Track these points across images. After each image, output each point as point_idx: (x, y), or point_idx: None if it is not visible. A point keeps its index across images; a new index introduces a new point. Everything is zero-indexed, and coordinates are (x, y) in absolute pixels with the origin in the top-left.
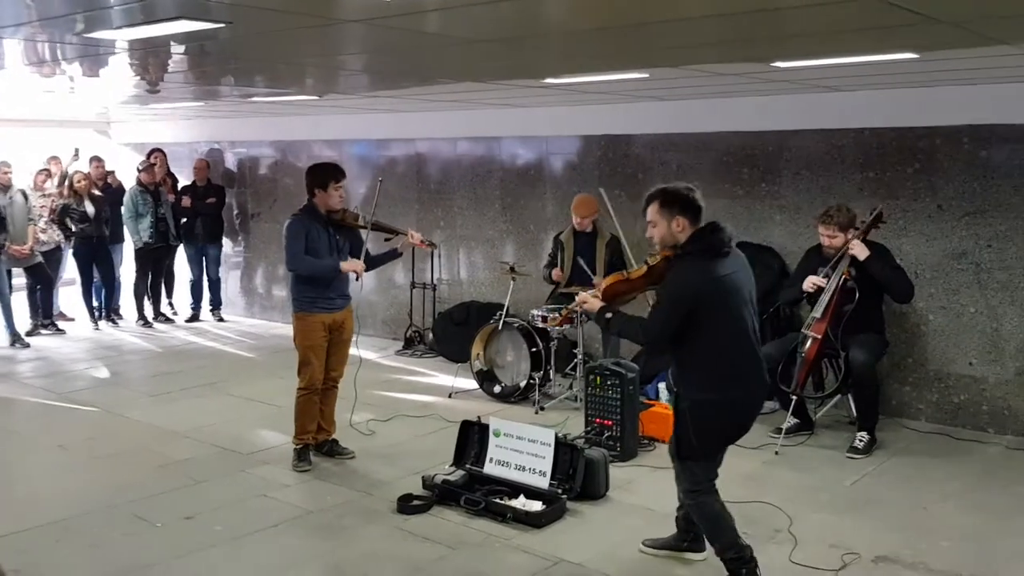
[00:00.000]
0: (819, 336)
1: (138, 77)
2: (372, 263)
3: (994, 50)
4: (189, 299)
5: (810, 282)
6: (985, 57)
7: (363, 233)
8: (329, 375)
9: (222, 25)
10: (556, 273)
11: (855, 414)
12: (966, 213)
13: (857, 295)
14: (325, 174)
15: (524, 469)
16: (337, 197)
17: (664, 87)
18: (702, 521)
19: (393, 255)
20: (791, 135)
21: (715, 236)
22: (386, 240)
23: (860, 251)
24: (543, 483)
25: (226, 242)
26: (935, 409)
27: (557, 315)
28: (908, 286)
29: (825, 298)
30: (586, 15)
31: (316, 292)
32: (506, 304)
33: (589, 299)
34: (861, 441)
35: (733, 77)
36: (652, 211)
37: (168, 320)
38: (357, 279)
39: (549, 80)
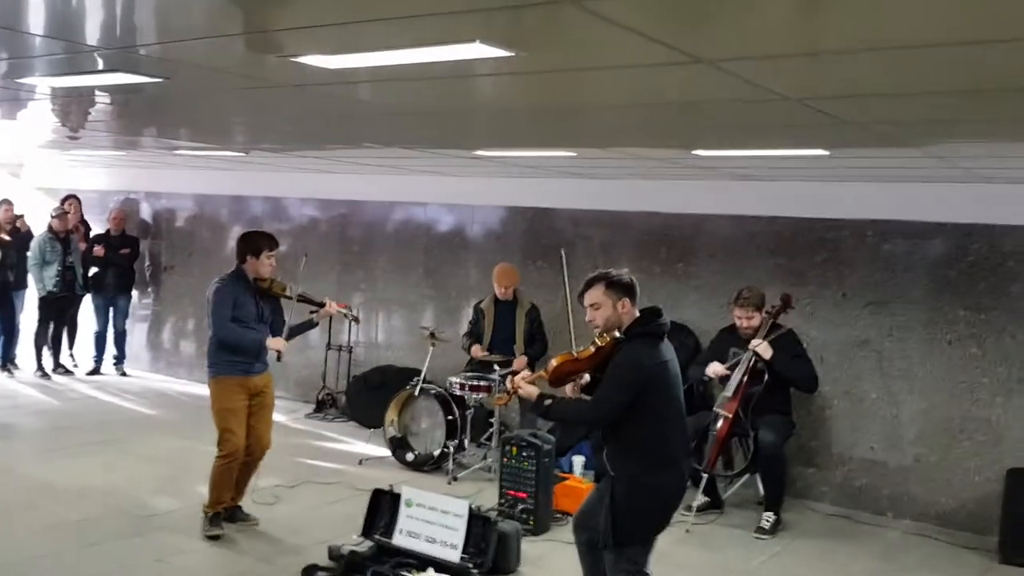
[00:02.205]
0: (730, 415)
1: (59, 123)
2: (289, 333)
3: (898, 151)
4: (92, 351)
5: (712, 370)
6: (890, 157)
7: (286, 303)
8: (256, 445)
9: (160, 80)
10: (475, 350)
11: (763, 494)
12: (869, 303)
13: (766, 377)
14: (259, 242)
15: (435, 541)
16: (268, 266)
17: (590, 166)
18: None
19: (310, 326)
20: (707, 218)
21: (660, 320)
22: (311, 312)
23: (765, 351)
24: (454, 556)
25: (135, 294)
26: (838, 492)
27: (504, 394)
28: (811, 380)
29: (736, 378)
30: (516, 97)
31: (234, 355)
32: (424, 370)
33: (526, 386)
34: (768, 522)
35: (656, 161)
36: (596, 293)
37: (68, 372)
38: (279, 359)
39: (479, 152)
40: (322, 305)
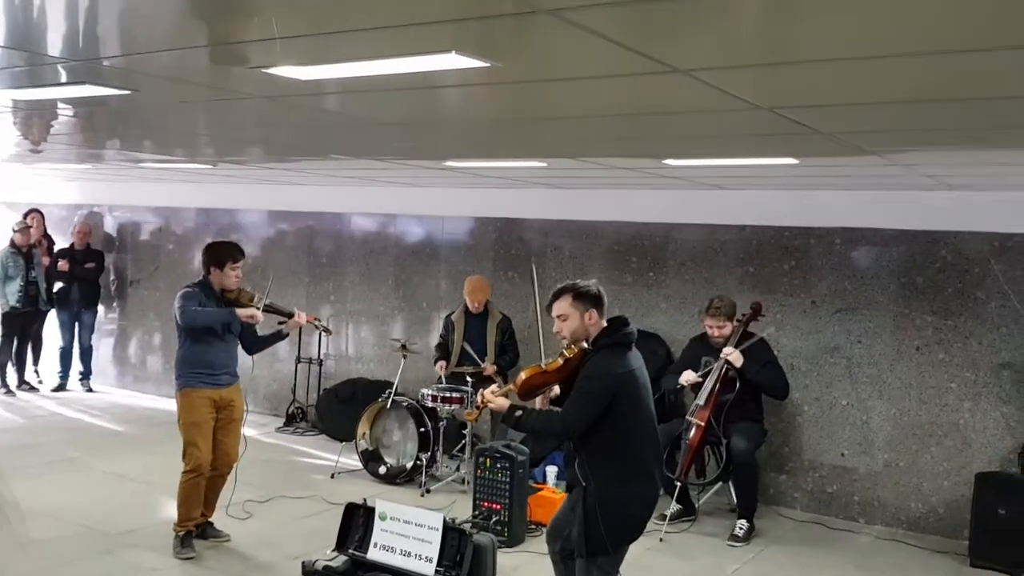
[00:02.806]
0: (702, 423)
1: (21, 136)
2: (258, 345)
3: (865, 160)
4: (57, 367)
5: (686, 378)
6: (857, 166)
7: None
8: (222, 459)
9: (128, 92)
10: (440, 366)
11: (736, 501)
12: (838, 310)
13: (737, 385)
14: (223, 253)
15: (410, 555)
16: (233, 277)
17: (560, 176)
18: None
19: (278, 337)
20: (677, 228)
21: (627, 329)
22: (279, 323)
23: (736, 359)
24: (429, 570)
25: (100, 309)
26: (809, 498)
27: (475, 410)
28: (782, 387)
29: (708, 387)
30: (490, 108)
31: (201, 368)
32: (395, 382)
33: (496, 399)
34: (741, 529)
35: (626, 170)
36: (563, 305)
37: (33, 389)
38: (254, 324)
39: (450, 163)
40: (290, 315)
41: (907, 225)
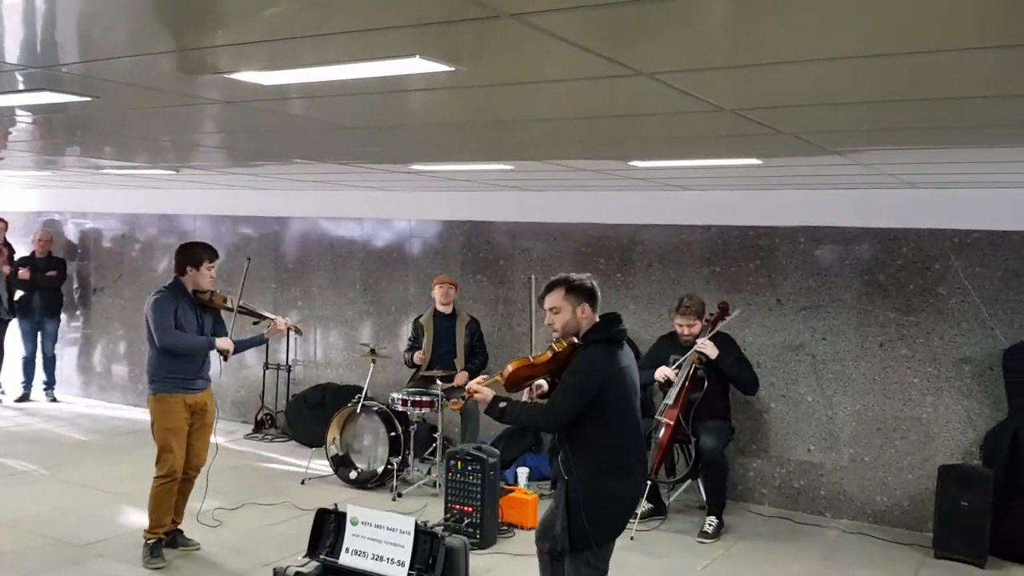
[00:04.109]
0: (672, 422)
1: None
2: (237, 347)
3: (827, 159)
4: (20, 377)
5: (662, 373)
6: (819, 165)
7: (226, 316)
8: (191, 462)
9: (88, 99)
10: (418, 356)
11: (705, 499)
12: (803, 308)
13: (706, 384)
14: (200, 252)
15: (382, 559)
16: (209, 277)
17: (527, 178)
18: None
19: (259, 341)
20: (643, 229)
21: (619, 326)
22: (254, 324)
23: (710, 350)
24: (401, 573)
25: (63, 317)
26: (777, 494)
27: (460, 400)
28: (753, 381)
29: (677, 385)
30: (455, 111)
31: (177, 372)
32: (365, 387)
33: (482, 389)
34: (711, 526)
35: (592, 172)
36: (556, 297)
37: None
38: (226, 359)
39: (415, 167)
40: (262, 317)
41: (869, 223)
